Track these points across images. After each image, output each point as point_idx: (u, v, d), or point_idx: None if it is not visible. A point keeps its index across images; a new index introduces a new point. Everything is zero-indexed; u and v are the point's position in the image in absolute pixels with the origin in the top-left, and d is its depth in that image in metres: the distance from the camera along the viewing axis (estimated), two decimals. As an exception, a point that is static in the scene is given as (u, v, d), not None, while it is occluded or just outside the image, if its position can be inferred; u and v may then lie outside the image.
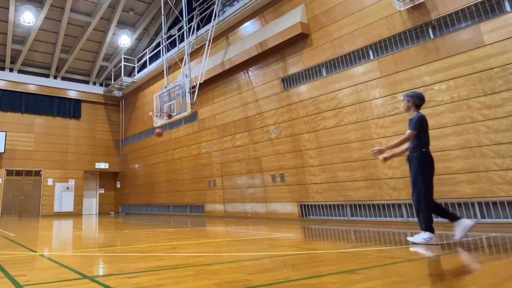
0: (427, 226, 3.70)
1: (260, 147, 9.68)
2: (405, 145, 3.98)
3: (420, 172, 3.78)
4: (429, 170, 3.81)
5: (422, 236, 3.72)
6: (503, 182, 5.36)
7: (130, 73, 17.80)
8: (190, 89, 9.99)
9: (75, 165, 16.80)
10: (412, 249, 3.50)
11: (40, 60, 16.39)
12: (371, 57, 7.35)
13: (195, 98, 10.31)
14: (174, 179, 13.29)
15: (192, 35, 12.25)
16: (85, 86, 17.65)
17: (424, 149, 3.85)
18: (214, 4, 11.13)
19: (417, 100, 4.05)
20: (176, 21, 14.64)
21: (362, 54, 7.52)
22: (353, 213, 7.42)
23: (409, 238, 3.94)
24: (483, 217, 5.61)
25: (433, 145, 6.17)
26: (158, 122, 10.94)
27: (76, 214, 16.28)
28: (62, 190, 16.25)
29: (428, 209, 3.73)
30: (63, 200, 16.17)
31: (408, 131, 3.87)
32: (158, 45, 15.72)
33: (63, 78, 17.27)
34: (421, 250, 3.37)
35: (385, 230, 5.53)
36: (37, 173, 15.93)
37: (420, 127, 3.87)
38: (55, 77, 17.05)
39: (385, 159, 4.02)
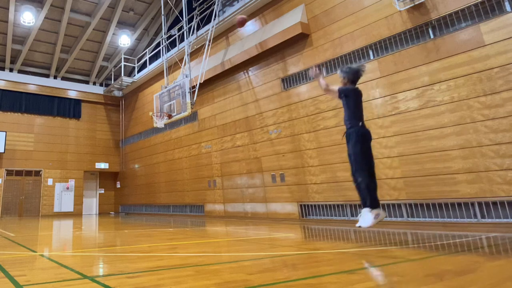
0: (375, 201, 3.59)
1: (260, 147, 9.68)
2: (323, 86, 3.96)
3: (361, 148, 3.71)
4: (368, 145, 3.77)
5: (371, 216, 3.55)
6: (503, 182, 5.36)
7: (130, 73, 17.80)
8: (190, 89, 9.99)
9: (75, 165, 16.80)
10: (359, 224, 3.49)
11: (40, 60, 16.40)
12: (371, 57, 7.35)
13: (195, 98, 10.31)
14: (174, 179, 13.29)
15: (192, 35, 12.25)
16: (85, 86, 17.66)
17: (361, 123, 3.80)
18: (214, 4, 11.13)
19: (352, 76, 3.93)
20: (176, 21, 14.64)
21: (362, 54, 7.52)
22: (353, 213, 7.42)
23: (362, 223, 3.67)
24: (483, 217, 5.61)
25: (433, 145, 6.18)
26: (158, 122, 10.94)
27: (76, 214, 16.28)
28: (62, 190, 16.26)
29: (372, 184, 3.63)
30: (63, 200, 16.17)
31: (335, 88, 3.91)
32: (158, 45, 15.72)
33: (63, 78, 17.27)
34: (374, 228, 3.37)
35: (385, 230, 5.53)
36: (37, 173, 15.93)
37: (347, 95, 3.82)
38: (55, 77, 17.06)
39: (318, 70, 4.10)
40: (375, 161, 3.87)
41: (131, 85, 16.79)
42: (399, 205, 6.65)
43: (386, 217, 3.57)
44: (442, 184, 6.02)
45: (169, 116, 10.61)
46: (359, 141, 3.71)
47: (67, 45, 16.16)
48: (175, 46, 13.46)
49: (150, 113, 11.37)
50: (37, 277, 2.51)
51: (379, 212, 3.57)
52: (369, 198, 3.62)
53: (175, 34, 13.28)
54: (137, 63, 16.83)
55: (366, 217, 3.58)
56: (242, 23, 8.18)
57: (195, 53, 12.24)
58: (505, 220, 5.36)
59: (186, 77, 10.14)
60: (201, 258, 3.17)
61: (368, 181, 3.63)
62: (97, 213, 17.73)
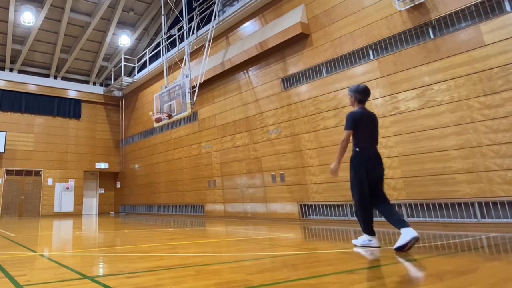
0: (365, 229, 3.61)
1: (260, 147, 9.68)
2: (345, 147, 3.63)
3: (355, 176, 3.57)
4: (364, 172, 3.50)
5: (362, 238, 3.65)
6: (503, 182, 5.36)
7: (130, 73, 17.80)
8: (190, 89, 9.99)
9: (75, 165, 16.80)
10: (356, 249, 3.51)
11: (40, 60, 16.39)
12: (371, 57, 7.35)
13: (195, 98, 10.31)
14: (174, 179, 13.29)
15: (192, 35, 12.25)
16: (85, 86, 17.66)
17: (358, 149, 3.59)
18: (214, 4, 11.13)
19: (358, 95, 3.85)
20: (176, 21, 14.64)
21: (362, 54, 7.52)
22: (353, 213, 7.42)
23: (353, 241, 3.80)
24: (483, 217, 5.61)
25: (433, 145, 6.18)
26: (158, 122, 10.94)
27: (76, 214, 16.28)
28: (62, 190, 16.25)
29: (365, 213, 3.56)
30: (63, 200, 16.17)
31: (344, 132, 3.66)
32: (158, 45, 15.72)
33: (63, 78, 17.27)
34: (363, 252, 3.37)
35: (385, 230, 5.54)
36: (37, 173, 15.93)
37: (353, 125, 3.62)
38: (55, 77, 17.05)
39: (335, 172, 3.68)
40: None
41: (131, 85, 16.78)
42: (399, 205, 6.65)
43: (378, 247, 3.56)
44: (442, 184, 6.02)
45: (169, 116, 10.61)
46: (352, 167, 3.62)
47: (67, 45, 16.16)
48: (175, 46, 13.46)
49: (150, 113, 11.37)
50: (37, 277, 2.51)
51: (372, 239, 3.60)
52: (361, 225, 3.65)
53: (175, 34, 13.28)
54: (137, 63, 16.83)
55: (360, 238, 3.73)
56: (158, 120, 10.77)
57: (195, 53, 12.24)
58: (505, 220, 5.36)
59: (186, 77, 10.14)
60: (201, 258, 3.17)
61: (359, 210, 3.60)
62: (97, 213, 17.72)
